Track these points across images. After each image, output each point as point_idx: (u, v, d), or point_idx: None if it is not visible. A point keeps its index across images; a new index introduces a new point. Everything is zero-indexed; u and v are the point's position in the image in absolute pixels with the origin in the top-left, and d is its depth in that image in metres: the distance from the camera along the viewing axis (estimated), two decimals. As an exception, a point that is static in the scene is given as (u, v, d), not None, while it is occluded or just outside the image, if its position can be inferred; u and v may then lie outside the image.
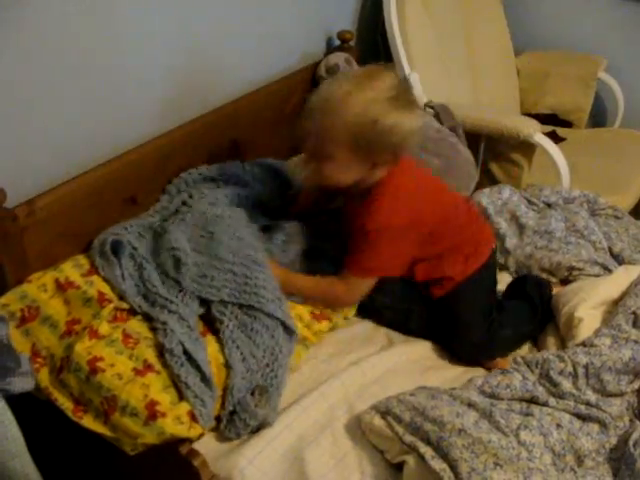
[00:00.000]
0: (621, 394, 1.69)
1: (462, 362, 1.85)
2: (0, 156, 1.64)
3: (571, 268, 2.04)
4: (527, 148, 2.47)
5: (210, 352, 1.64)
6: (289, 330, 1.71)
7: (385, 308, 1.89)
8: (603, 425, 1.62)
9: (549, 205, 2.27)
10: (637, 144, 2.95)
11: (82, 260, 1.73)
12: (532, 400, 1.66)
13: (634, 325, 1.81)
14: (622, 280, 1.96)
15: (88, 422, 1.54)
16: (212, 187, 1.99)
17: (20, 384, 1.47)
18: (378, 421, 1.57)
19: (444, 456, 1.48)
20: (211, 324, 1.71)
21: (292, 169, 2.14)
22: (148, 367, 1.56)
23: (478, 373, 1.81)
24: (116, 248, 1.74)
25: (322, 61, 2.43)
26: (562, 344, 1.87)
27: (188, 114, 2.07)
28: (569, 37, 3.15)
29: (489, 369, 1.82)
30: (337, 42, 2.52)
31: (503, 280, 2.07)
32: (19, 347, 1.57)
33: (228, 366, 1.63)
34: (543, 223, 2.15)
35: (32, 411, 1.59)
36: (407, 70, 2.57)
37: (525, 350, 1.91)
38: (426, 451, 1.49)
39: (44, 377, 1.59)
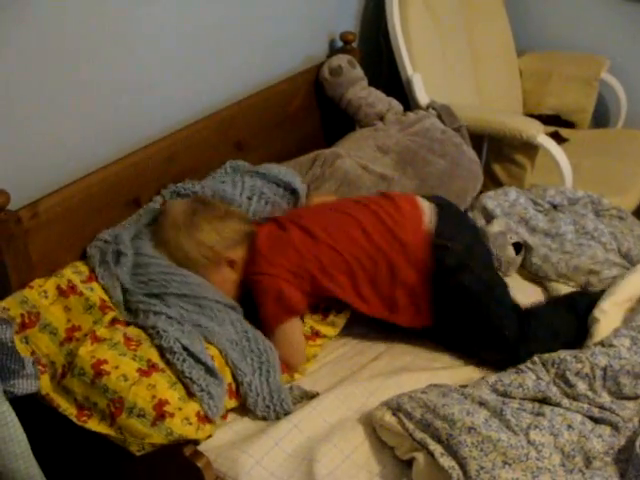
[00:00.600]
0: (636, 397, 1.68)
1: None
2: (4, 159, 1.65)
3: (589, 272, 2.03)
4: (530, 149, 2.47)
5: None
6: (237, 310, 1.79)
7: None
8: (615, 428, 1.61)
9: (554, 206, 2.27)
10: (640, 144, 2.94)
11: (81, 267, 1.74)
12: (544, 400, 1.65)
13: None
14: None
15: (93, 425, 1.54)
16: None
17: (24, 386, 1.47)
18: (389, 417, 1.57)
19: (453, 454, 1.47)
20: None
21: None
22: (153, 367, 1.56)
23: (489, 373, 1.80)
24: (116, 258, 1.75)
25: (325, 63, 2.43)
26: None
27: (191, 116, 2.07)
28: (572, 38, 3.14)
29: None
30: (340, 44, 2.52)
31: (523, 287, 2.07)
32: (18, 355, 1.57)
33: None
34: (553, 226, 2.14)
35: (35, 413, 1.59)
36: (410, 71, 2.57)
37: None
38: (436, 448, 1.49)
39: (45, 384, 1.58)
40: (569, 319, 1.87)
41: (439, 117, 2.41)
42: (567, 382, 1.68)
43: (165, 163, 1.95)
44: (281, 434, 1.58)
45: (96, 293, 1.69)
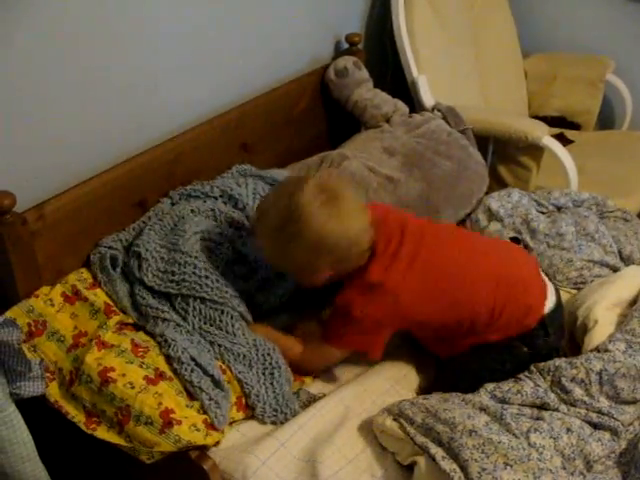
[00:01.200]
0: (634, 402, 1.68)
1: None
2: (10, 161, 1.65)
3: (581, 268, 2.03)
4: (535, 151, 2.47)
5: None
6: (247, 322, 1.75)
7: None
8: (614, 433, 1.61)
9: (559, 208, 2.27)
10: (645, 146, 2.94)
11: (85, 274, 1.75)
12: (543, 406, 1.65)
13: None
14: (634, 280, 1.95)
15: (102, 433, 1.54)
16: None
17: (30, 388, 1.48)
18: (390, 423, 1.58)
19: (455, 457, 1.48)
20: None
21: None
22: (160, 375, 1.57)
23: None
24: (115, 263, 1.75)
25: (331, 64, 2.43)
26: (574, 347, 1.87)
27: (197, 118, 2.07)
28: (577, 39, 3.14)
29: None
30: (345, 45, 2.52)
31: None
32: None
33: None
34: (554, 227, 2.14)
35: (42, 415, 1.59)
36: (415, 73, 2.57)
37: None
38: (437, 452, 1.49)
39: (54, 391, 1.59)
40: None
41: (444, 119, 2.41)
42: (563, 388, 1.68)
43: (171, 165, 1.95)
44: (286, 436, 1.59)
45: (100, 298, 1.69)
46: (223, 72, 2.15)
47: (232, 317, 1.70)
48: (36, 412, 1.56)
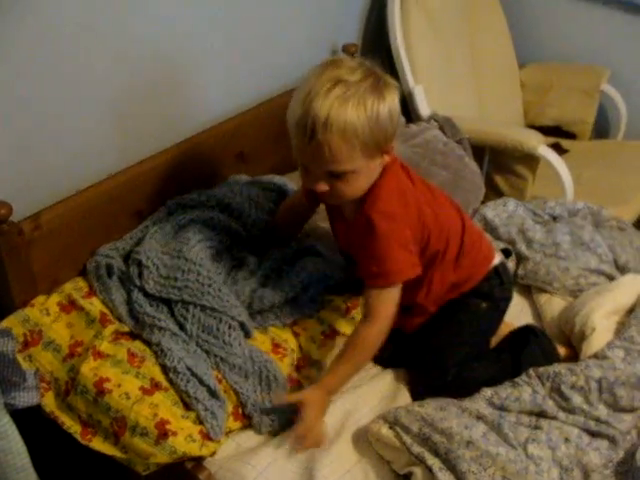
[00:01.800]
0: (632, 410, 1.68)
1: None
2: (6, 170, 1.65)
3: (578, 276, 2.03)
4: (531, 160, 2.47)
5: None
6: (247, 333, 1.73)
7: None
8: (612, 441, 1.61)
9: (554, 218, 2.27)
10: (641, 156, 2.94)
11: (81, 283, 1.75)
12: (541, 414, 1.65)
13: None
14: (631, 289, 1.96)
15: (98, 444, 1.54)
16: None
17: (25, 399, 1.47)
18: (386, 431, 1.57)
19: (452, 468, 1.47)
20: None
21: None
22: (156, 385, 1.57)
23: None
24: (110, 271, 1.75)
25: (326, 74, 2.43)
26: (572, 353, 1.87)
27: (193, 128, 2.07)
28: (572, 49, 3.15)
29: None
30: (342, 55, 2.52)
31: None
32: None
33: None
34: (550, 236, 2.15)
35: (37, 425, 1.59)
36: (411, 83, 2.58)
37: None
38: (434, 463, 1.49)
39: (50, 401, 1.59)
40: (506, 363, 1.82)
41: (441, 129, 2.42)
42: (562, 395, 1.67)
43: (168, 175, 1.95)
44: (283, 446, 1.58)
45: (96, 307, 1.69)
46: (220, 82, 2.15)
47: (230, 327, 1.69)
48: (31, 422, 1.55)
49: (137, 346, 1.65)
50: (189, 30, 1.99)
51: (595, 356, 1.77)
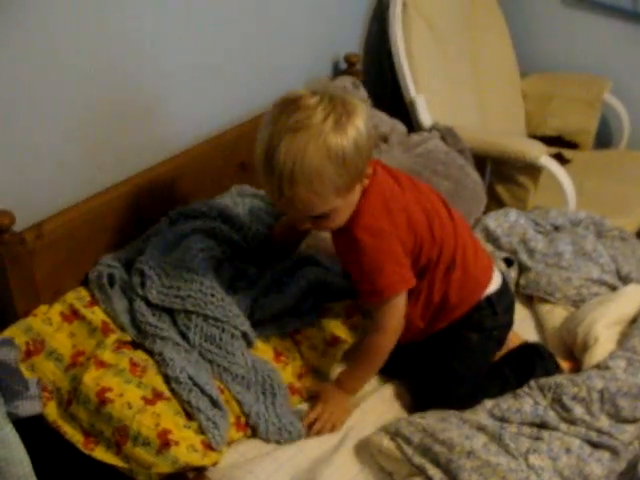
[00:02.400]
0: (634, 421, 1.67)
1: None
2: (8, 180, 1.66)
3: (580, 286, 2.03)
4: (533, 170, 2.47)
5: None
6: (249, 343, 1.73)
7: None
8: (614, 452, 1.61)
9: (556, 228, 2.27)
10: (643, 166, 2.95)
11: (83, 292, 1.75)
12: (542, 425, 1.65)
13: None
14: (633, 299, 1.96)
15: (100, 454, 1.54)
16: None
17: (27, 408, 1.47)
18: (387, 442, 1.57)
19: (453, 478, 1.48)
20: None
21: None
22: (158, 395, 1.57)
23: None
24: (112, 281, 1.75)
25: (329, 84, 2.44)
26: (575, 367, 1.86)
27: (195, 138, 2.08)
28: (574, 59, 3.15)
29: None
30: (344, 65, 2.53)
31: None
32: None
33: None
34: (552, 246, 2.15)
35: (39, 434, 1.59)
36: (413, 92, 2.58)
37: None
38: (435, 473, 1.49)
39: (52, 411, 1.59)
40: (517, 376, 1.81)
41: (442, 139, 2.42)
42: (564, 407, 1.67)
43: (169, 185, 1.96)
44: (286, 456, 1.59)
45: (98, 316, 1.69)
46: (222, 92, 2.15)
47: (232, 336, 1.69)
48: (33, 431, 1.55)
49: (139, 355, 1.65)
50: (185, 40, 2.00)
51: (597, 366, 1.77)
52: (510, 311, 1.80)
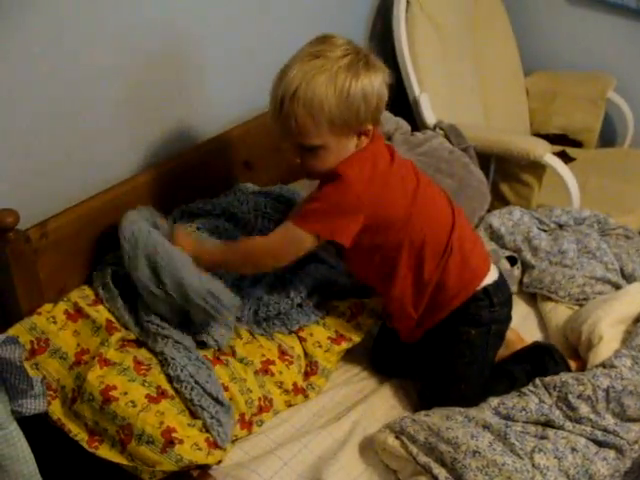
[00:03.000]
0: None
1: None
2: (13, 179, 1.66)
3: (583, 284, 2.03)
4: (537, 168, 2.47)
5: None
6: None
7: None
8: (620, 451, 1.60)
9: (560, 226, 2.27)
10: (647, 164, 2.94)
11: (87, 291, 1.75)
12: (547, 423, 1.64)
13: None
14: (638, 297, 1.96)
15: (104, 452, 1.54)
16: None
17: (32, 406, 1.47)
18: (392, 441, 1.57)
19: (458, 478, 1.47)
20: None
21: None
22: (162, 393, 1.57)
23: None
24: (116, 279, 1.75)
25: (332, 83, 2.43)
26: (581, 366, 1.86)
27: (200, 136, 2.08)
28: (578, 57, 3.15)
29: None
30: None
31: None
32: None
33: None
34: (556, 244, 2.15)
35: (44, 433, 1.59)
36: (417, 91, 2.58)
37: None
38: (440, 472, 1.49)
39: (56, 409, 1.59)
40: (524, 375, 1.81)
41: (446, 137, 2.42)
42: (569, 405, 1.67)
43: (174, 183, 1.96)
44: (290, 454, 1.59)
45: (102, 315, 1.69)
46: (226, 90, 2.15)
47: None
48: (38, 430, 1.55)
49: (143, 354, 1.65)
50: (190, 39, 2.00)
51: (602, 365, 1.76)
52: (508, 306, 1.78)
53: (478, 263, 1.74)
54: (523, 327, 1.97)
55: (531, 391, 1.71)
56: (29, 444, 1.47)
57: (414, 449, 1.54)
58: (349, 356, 1.86)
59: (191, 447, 1.51)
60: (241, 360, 1.72)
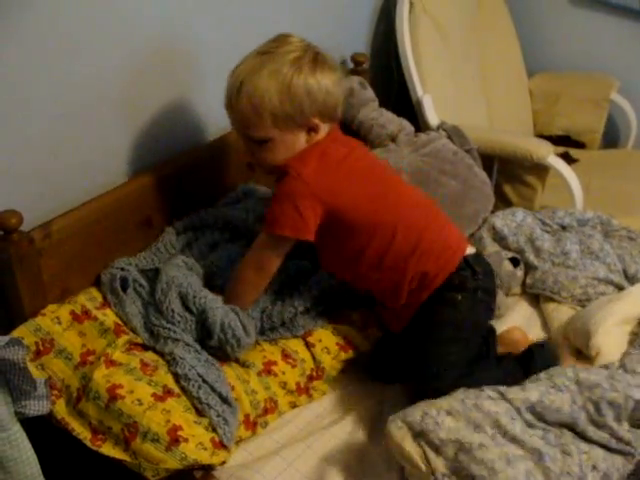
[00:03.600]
0: None
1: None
2: (16, 179, 1.66)
3: (586, 285, 2.03)
4: (540, 170, 2.47)
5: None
6: None
7: None
8: (627, 458, 1.55)
9: (563, 227, 2.27)
10: (650, 165, 2.94)
11: (95, 293, 1.76)
12: (571, 425, 1.57)
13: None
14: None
15: (107, 450, 1.54)
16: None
17: (35, 407, 1.47)
18: (410, 446, 1.48)
19: None
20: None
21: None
22: (168, 392, 1.57)
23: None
24: (124, 284, 1.75)
25: (336, 84, 2.43)
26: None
27: (203, 136, 2.08)
28: (581, 59, 3.15)
29: None
30: (351, 65, 2.53)
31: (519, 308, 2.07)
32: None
33: None
34: (559, 245, 2.15)
35: (47, 434, 1.59)
36: (420, 92, 2.58)
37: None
38: None
39: (61, 409, 1.59)
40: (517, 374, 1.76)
41: (449, 138, 2.42)
42: (599, 410, 1.59)
43: (178, 183, 1.96)
44: (294, 455, 1.59)
45: (110, 318, 1.70)
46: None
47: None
48: (41, 431, 1.56)
49: (150, 356, 1.65)
50: (200, 35, 2.01)
51: (623, 368, 1.73)
52: (490, 277, 1.79)
53: (454, 242, 1.76)
54: (526, 328, 1.97)
55: (566, 386, 1.62)
56: (32, 445, 1.47)
57: (439, 463, 1.45)
58: (352, 358, 1.85)
59: (196, 446, 1.51)
60: (243, 364, 1.72)
